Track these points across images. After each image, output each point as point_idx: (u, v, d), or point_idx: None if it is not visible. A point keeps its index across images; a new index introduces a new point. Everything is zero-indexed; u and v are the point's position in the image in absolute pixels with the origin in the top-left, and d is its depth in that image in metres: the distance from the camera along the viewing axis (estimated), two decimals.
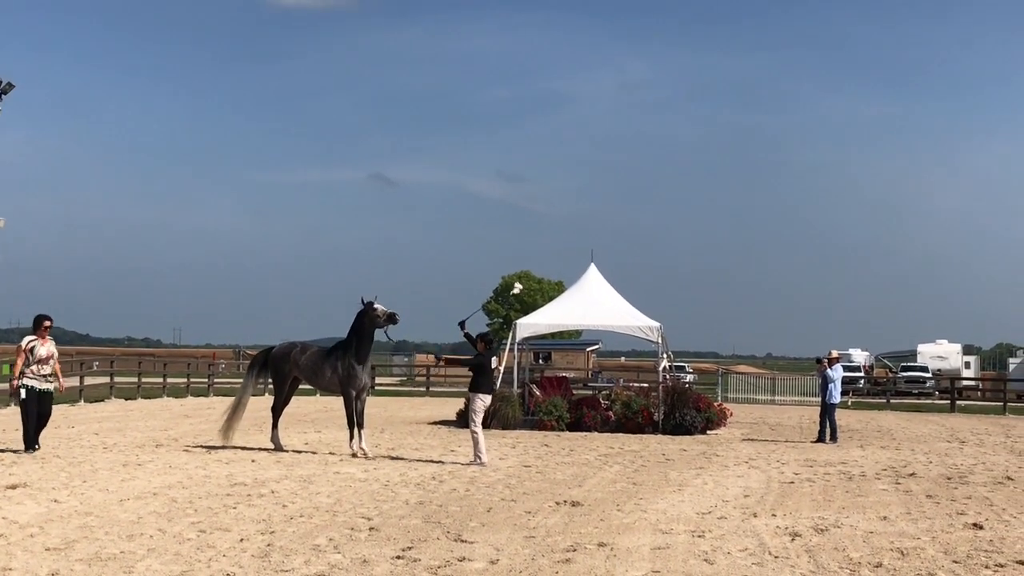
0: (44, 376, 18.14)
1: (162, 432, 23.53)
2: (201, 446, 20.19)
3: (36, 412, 18.04)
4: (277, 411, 20.40)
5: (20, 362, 17.94)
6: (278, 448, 19.64)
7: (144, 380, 42.35)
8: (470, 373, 18.93)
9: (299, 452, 19.64)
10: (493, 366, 18.98)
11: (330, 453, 19.56)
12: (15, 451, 18.03)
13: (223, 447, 19.77)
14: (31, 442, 18.02)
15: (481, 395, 18.55)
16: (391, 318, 19.64)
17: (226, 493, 13.84)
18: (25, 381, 17.93)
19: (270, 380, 21.22)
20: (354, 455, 18.92)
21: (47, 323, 18.38)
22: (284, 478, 15.61)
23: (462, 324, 19.38)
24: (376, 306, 19.55)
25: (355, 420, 19.35)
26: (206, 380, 46.56)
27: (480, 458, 18.07)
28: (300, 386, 21.35)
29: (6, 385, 37.66)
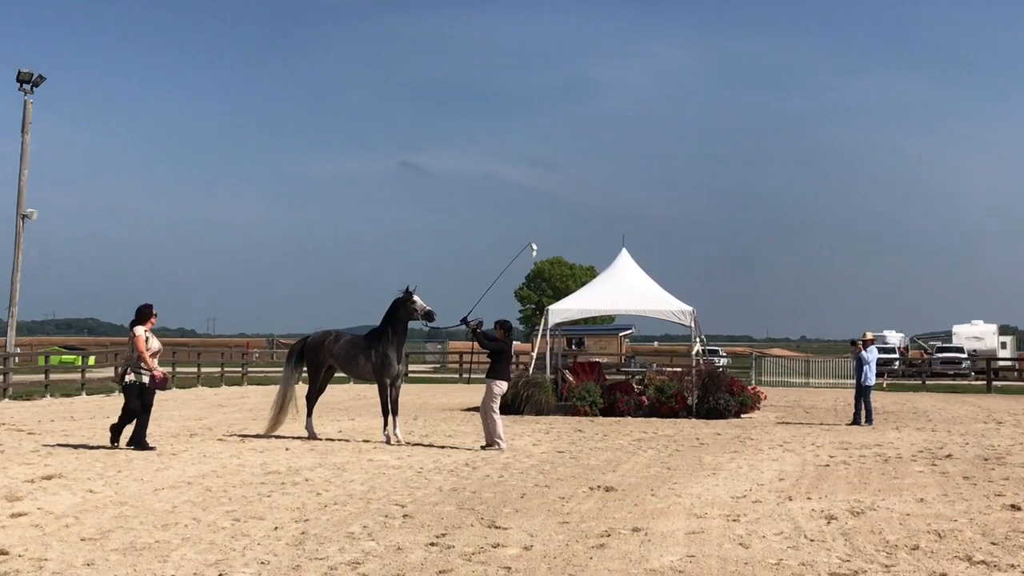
0: (145, 370, 17.49)
1: (196, 421, 23.63)
2: (235, 435, 20.26)
3: (144, 405, 17.53)
4: (311, 400, 20.43)
5: (147, 355, 17.34)
6: (312, 436, 19.67)
7: (178, 370, 42.58)
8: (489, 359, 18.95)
9: (333, 440, 19.68)
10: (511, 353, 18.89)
11: (364, 441, 19.59)
12: (123, 448, 17.33)
13: (256, 436, 19.84)
14: (142, 441, 17.36)
15: (498, 381, 18.61)
16: (428, 315, 19.67)
17: (260, 482, 13.87)
18: (137, 376, 17.36)
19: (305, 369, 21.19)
20: (387, 442, 18.94)
21: (155, 314, 17.78)
22: (318, 466, 15.64)
23: (464, 321, 19.22)
24: (415, 298, 19.53)
25: (389, 408, 19.36)
26: (240, 369, 46.81)
27: (499, 443, 18.12)
28: (336, 374, 21.31)
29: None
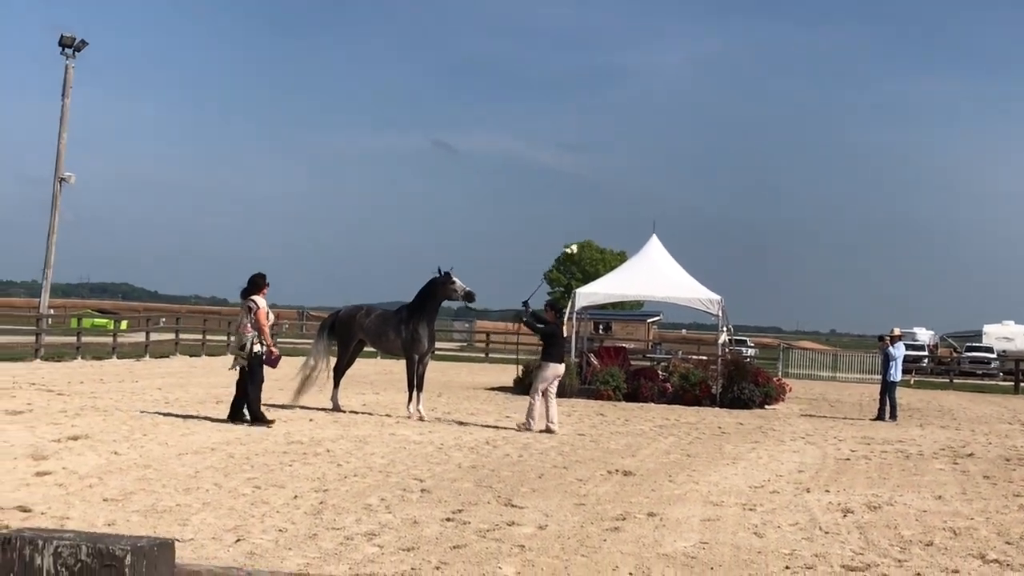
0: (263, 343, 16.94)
1: (223, 389, 23.73)
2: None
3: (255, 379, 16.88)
4: (339, 372, 20.58)
5: (267, 329, 16.81)
6: (336, 409, 19.81)
7: (208, 338, 42.91)
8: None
9: (356, 413, 19.81)
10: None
11: (386, 415, 19.71)
12: (242, 423, 16.76)
13: (281, 406, 19.98)
14: (259, 414, 16.83)
15: (553, 364, 18.55)
16: (468, 296, 19.76)
17: (283, 451, 14.01)
18: (258, 348, 16.74)
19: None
20: (410, 417, 19.05)
21: (268, 284, 17.29)
22: (340, 438, 15.77)
23: (525, 304, 19.31)
24: (455, 280, 19.58)
25: (415, 383, 19.48)
26: None
27: (530, 424, 18.16)
28: (364, 348, 21.44)
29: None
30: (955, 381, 48.98)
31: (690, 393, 26.56)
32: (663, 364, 29.84)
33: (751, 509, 11.35)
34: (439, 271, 19.71)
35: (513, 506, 10.78)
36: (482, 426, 18.74)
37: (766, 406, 26.84)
